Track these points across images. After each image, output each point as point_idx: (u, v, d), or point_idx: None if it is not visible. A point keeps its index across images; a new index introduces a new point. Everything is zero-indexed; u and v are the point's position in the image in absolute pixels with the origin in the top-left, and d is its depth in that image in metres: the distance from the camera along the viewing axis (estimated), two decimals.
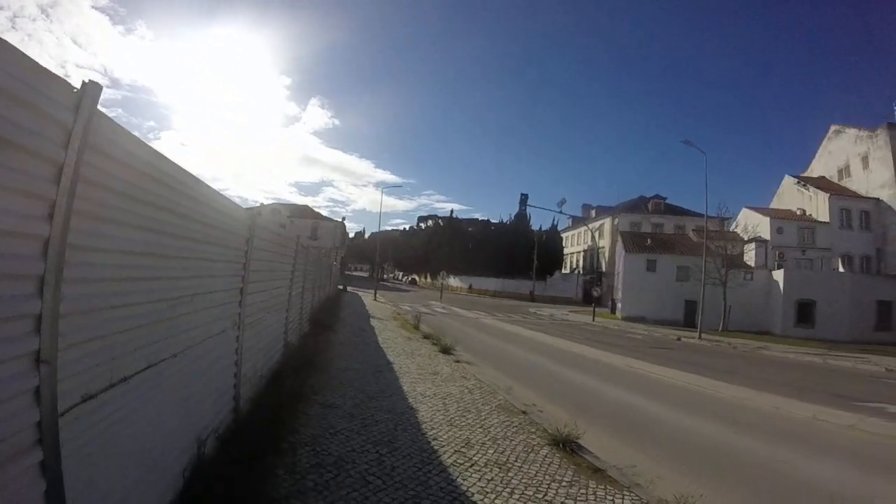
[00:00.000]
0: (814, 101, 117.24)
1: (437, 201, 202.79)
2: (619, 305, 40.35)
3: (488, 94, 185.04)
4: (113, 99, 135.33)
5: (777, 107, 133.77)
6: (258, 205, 69.65)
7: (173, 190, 2.89)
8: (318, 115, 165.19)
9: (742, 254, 37.52)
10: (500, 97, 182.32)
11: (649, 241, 42.25)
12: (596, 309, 37.14)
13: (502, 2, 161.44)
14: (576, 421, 5.60)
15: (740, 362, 16.48)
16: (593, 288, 35.58)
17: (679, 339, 24.88)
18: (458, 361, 10.27)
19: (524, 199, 29.72)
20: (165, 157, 2.70)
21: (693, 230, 48.31)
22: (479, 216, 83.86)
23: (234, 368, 4.82)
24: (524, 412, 6.66)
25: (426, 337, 13.49)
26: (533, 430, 5.93)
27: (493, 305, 40.85)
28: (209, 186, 3.64)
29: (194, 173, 3.20)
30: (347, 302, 26.47)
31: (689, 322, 35.82)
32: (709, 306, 34.82)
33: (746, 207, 44.31)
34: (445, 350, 11.37)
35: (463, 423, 5.83)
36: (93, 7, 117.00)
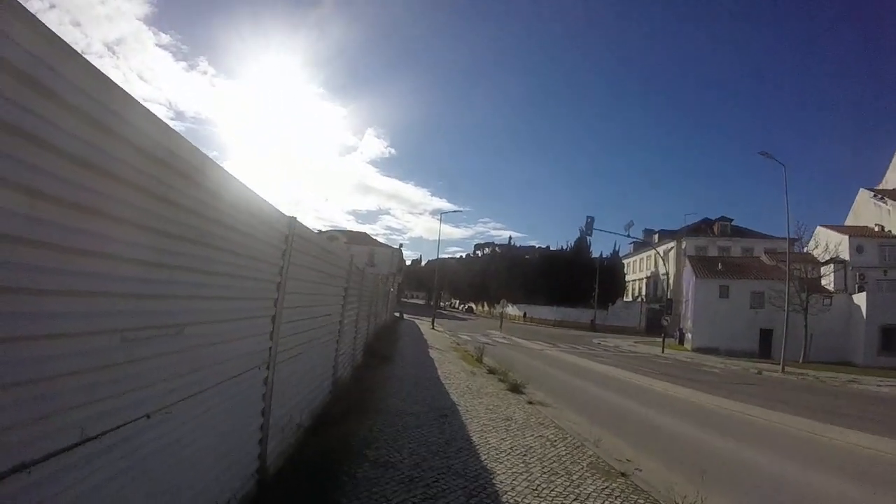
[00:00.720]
0: (884, 106, 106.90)
1: (494, 229, 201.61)
2: (688, 336, 37.14)
3: (546, 120, 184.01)
4: (178, 130, 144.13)
5: (845, 116, 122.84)
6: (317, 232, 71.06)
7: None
8: (374, 144, 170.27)
9: (819, 277, 33.73)
10: (558, 123, 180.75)
11: (720, 265, 38.99)
12: (658, 339, 34.43)
13: (558, 20, 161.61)
14: (698, 491, 4.14)
15: (835, 399, 14.45)
16: (662, 317, 32.68)
17: (760, 372, 22.04)
18: (530, 403, 8.80)
19: (590, 222, 27.86)
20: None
21: (766, 253, 44.55)
22: (535, 243, 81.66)
23: (260, 419, 3.72)
24: (623, 474, 5.17)
25: (491, 372, 12.08)
26: (642, 500, 4.46)
27: (554, 336, 38.65)
28: (223, 169, 2.60)
29: None
30: (404, 330, 25.46)
31: (764, 353, 32.71)
32: (784, 334, 31.65)
33: (822, 226, 40.11)
34: (515, 388, 9.92)
35: (553, 494, 4.43)
36: (157, 45, 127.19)
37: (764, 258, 43.20)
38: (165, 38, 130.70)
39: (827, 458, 7.26)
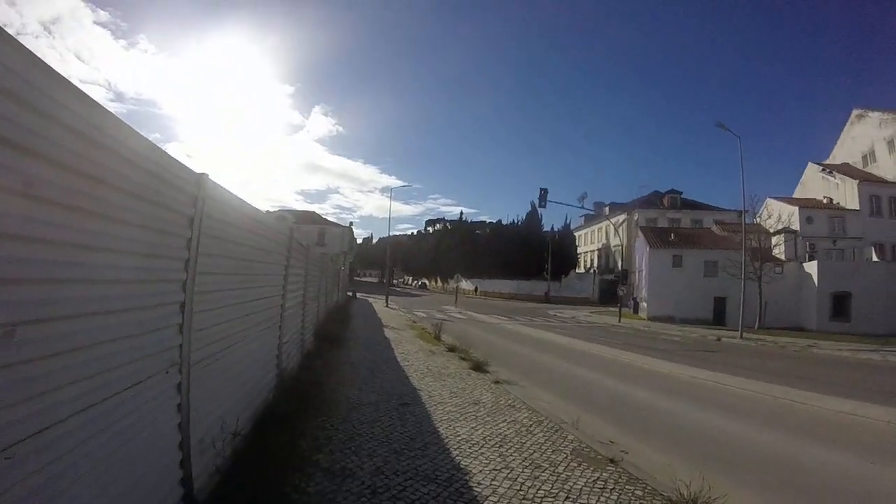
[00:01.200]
0: (830, 86, 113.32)
1: (444, 205, 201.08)
2: (643, 305, 38.16)
3: (490, 94, 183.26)
4: (118, 113, 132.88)
5: (792, 95, 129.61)
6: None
7: None
8: (321, 122, 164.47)
9: (771, 247, 35.40)
10: (503, 97, 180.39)
11: (672, 236, 40.13)
12: (612, 309, 35.17)
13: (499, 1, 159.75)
14: (703, 476, 3.70)
15: (799, 364, 14.80)
16: (618, 287, 33.28)
17: (719, 339, 22.70)
18: (497, 382, 8.25)
19: (544, 194, 27.54)
20: None
21: (716, 223, 46.25)
22: (486, 218, 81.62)
23: (177, 436, 2.87)
24: (612, 460, 4.67)
25: (451, 350, 11.49)
26: (639, 491, 3.96)
27: (510, 309, 38.78)
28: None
29: None
30: (357, 310, 24.52)
31: (718, 320, 33.95)
32: (738, 303, 32.86)
33: (772, 198, 42.06)
34: (478, 367, 9.36)
35: (541, 494, 3.83)
36: (95, 23, 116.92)
37: (715, 229, 44.68)
38: (104, 15, 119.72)
39: (818, 428, 7.02)
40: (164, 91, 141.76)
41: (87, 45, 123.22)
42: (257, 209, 4.33)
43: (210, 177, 3.01)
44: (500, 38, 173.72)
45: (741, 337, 23.18)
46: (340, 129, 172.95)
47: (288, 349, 6.65)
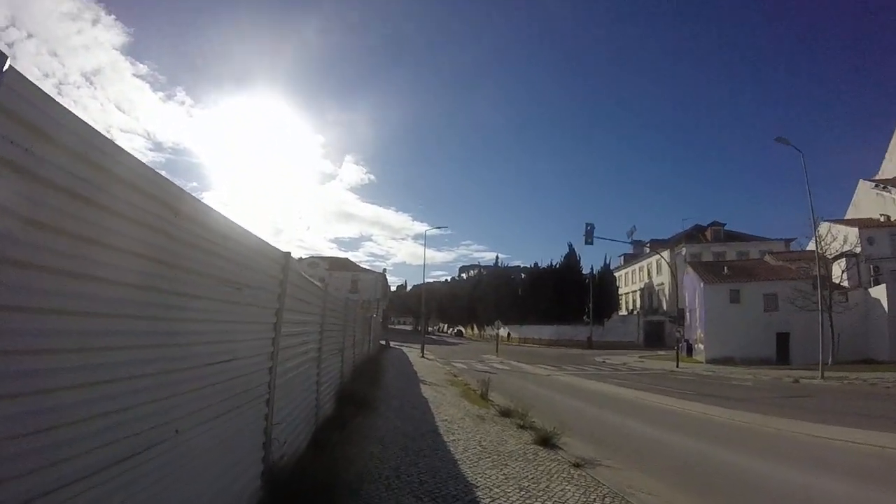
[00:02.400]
0: (868, 101, 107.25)
1: (476, 251, 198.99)
2: (698, 346, 34.59)
3: (521, 140, 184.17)
4: (157, 161, 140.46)
5: (831, 114, 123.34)
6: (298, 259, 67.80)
7: None
8: (352, 171, 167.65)
9: (830, 274, 32.00)
10: (534, 143, 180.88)
11: (726, 269, 36.95)
12: (668, 353, 31.89)
13: (524, 34, 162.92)
14: None
15: None
16: (675, 329, 30.14)
17: (797, 381, 19.56)
18: (577, 465, 5.99)
19: (590, 230, 25.30)
20: None
21: (769, 254, 42.94)
22: (520, 263, 79.34)
23: None
24: None
25: (505, 414, 9.24)
26: None
27: (554, 357, 35.87)
28: None
29: None
30: (391, 361, 22.44)
31: (782, 358, 30.57)
32: (803, 338, 29.10)
33: (826, 220, 38.57)
34: (545, 440, 7.09)
35: None
36: (134, 75, 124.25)
37: (768, 259, 41.46)
38: (143, 69, 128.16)
39: None
40: (199, 141, 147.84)
41: (127, 97, 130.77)
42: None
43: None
44: (530, 81, 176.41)
45: (822, 377, 19.87)
46: (372, 177, 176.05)
47: (289, 427, 4.69)
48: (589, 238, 25.32)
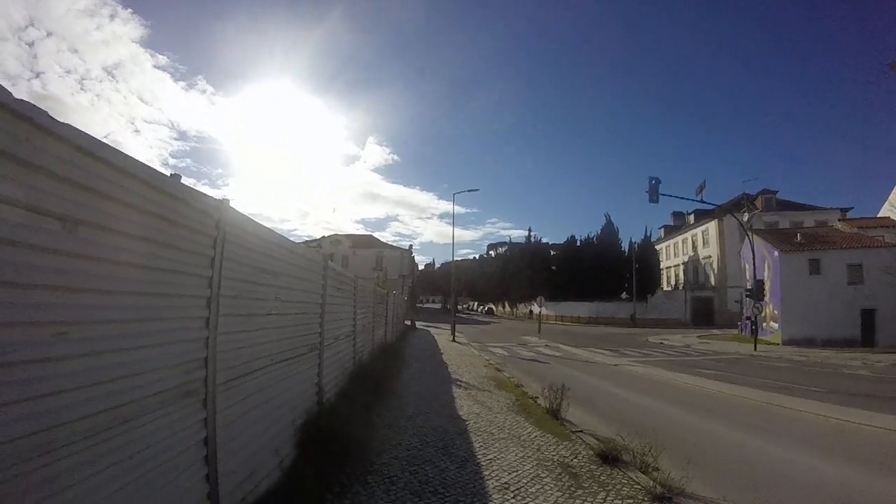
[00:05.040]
0: None
1: (503, 229, 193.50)
2: (772, 325, 29.51)
3: (549, 114, 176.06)
4: (182, 150, 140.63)
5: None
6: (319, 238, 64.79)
7: None
8: (376, 152, 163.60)
9: None
10: (560, 115, 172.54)
11: (798, 236, 31.55)
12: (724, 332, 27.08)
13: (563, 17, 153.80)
14: None
15: None
16: (753, 306, 25.25)
17: None
18: None
19: (654, 185, 20.44)
20: None
21: (841, 221, 37.43)
22: (548, 240, 74.35)
23: None
24: None
25: (606, 458, 5.09)
26: None
27: (601, 337, 31.48)
28: None
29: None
30: (416, 348, 18.50)
31: (868, 339, 25.71)
32: (893, 315, 25.58)
33: None
34: None
35: None
36: (154, 66, 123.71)
37: (839, 226, 35.90)
38: (162, 59, 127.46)
39: None
40: (223, 128, 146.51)
41: (149, 88, 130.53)
42: None
43: None
44: (563, 59, 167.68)
45: None
46: (396, 157, 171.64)
47: None
48: (654, 195, 20.53)
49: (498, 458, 5.18)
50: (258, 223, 3.50)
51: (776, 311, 28.66)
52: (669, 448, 5.25)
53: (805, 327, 27.01)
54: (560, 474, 4.77)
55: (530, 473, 4.77)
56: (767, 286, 30.17)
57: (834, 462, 5.71)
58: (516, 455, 5.33)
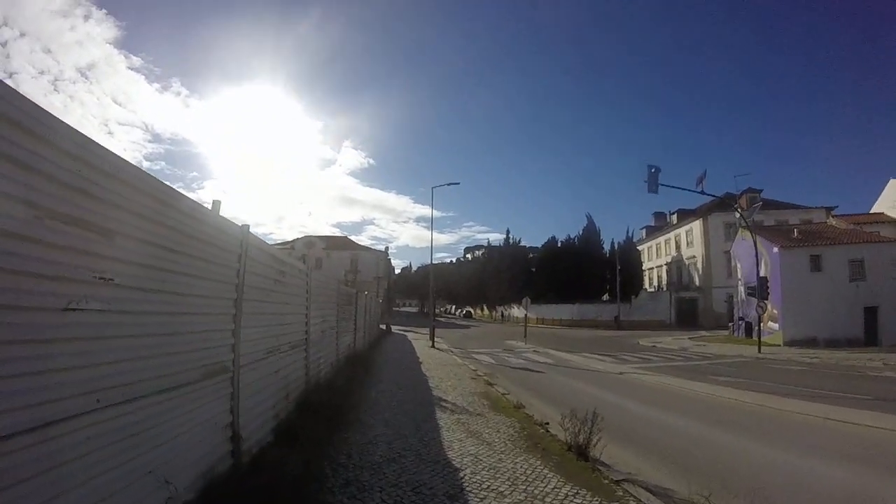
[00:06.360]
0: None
1: (478, 232, 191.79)
2: (770, 326, 28.24)
3: (524, 118, 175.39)
4: (156, 153, 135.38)
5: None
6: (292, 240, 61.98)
7: None
8: (352, 156, 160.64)
9: None
10: (538, 117, 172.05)
11: (795, 232, 30.54)
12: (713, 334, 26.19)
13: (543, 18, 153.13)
14: None
15: None
16: (756, 305, 23.81)
17: None
18: None
19: (654, 174, 18.82)
20: None
21: (834, 217, 37.01)
22: (525, 243, 72.77)
23: None
24: None
25: None
26: None
27: (590, 340, 29.81)
28: None
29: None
30: (389, 356, 16.34)
31: (871, 338, 25.06)
32: (894, 311, 25.06)
33: None
34: None
35: None
36: (128, 68, 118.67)
37: (833, 222, 35.20)
38: (137, 61, 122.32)
39: None
40: (198, 131, 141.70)
41: (123, 90, 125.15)
42: None
43: None
44: (547, 59, 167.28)
45: None
46: (371, 161, 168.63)
47: None
48: (653, 185, 18.82)
49: None
50: None
51: (775, 311, 27.39)
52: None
53: (807, 327, 25.97)
54: None
55: None
56: (773, 284, 28.94)
57: None
58: None
